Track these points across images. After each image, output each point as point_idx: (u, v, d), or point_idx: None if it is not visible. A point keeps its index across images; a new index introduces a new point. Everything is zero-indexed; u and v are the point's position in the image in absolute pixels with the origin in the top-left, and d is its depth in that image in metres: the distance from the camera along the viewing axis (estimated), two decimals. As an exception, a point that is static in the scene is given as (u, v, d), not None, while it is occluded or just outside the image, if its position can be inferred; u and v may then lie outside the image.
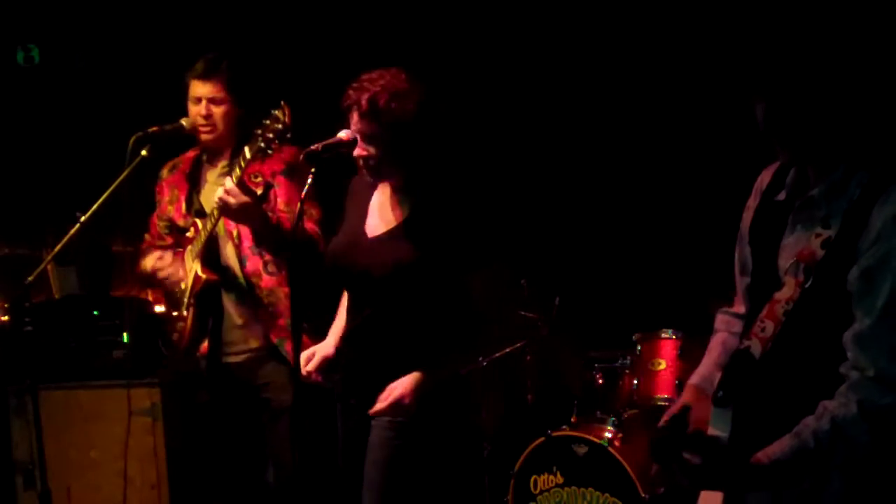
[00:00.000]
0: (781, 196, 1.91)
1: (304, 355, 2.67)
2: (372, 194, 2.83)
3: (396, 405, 2.61)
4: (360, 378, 2.77)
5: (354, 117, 2.62)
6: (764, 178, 2.00)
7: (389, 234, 2.71)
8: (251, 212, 3.06)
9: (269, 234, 3.15)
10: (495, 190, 4.39)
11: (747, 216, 2.02)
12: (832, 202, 1.77)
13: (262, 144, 2.91)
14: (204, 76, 3.33)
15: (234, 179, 3.04)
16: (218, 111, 3.34)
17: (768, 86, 1.76)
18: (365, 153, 2.64)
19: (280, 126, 2.86)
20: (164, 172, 3.58)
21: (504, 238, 3.60)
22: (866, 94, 1.76)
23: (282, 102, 2.87)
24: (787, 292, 1.79)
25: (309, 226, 3.20)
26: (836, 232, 1.74)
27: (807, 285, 1.77)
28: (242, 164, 3.02)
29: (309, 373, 2.83)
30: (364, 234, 2.77)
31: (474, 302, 2.74)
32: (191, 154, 3.54)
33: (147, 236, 3.65)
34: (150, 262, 3.50)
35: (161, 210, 3.56)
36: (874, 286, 1.69)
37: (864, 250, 1.70)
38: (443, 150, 2.74)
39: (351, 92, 2.63)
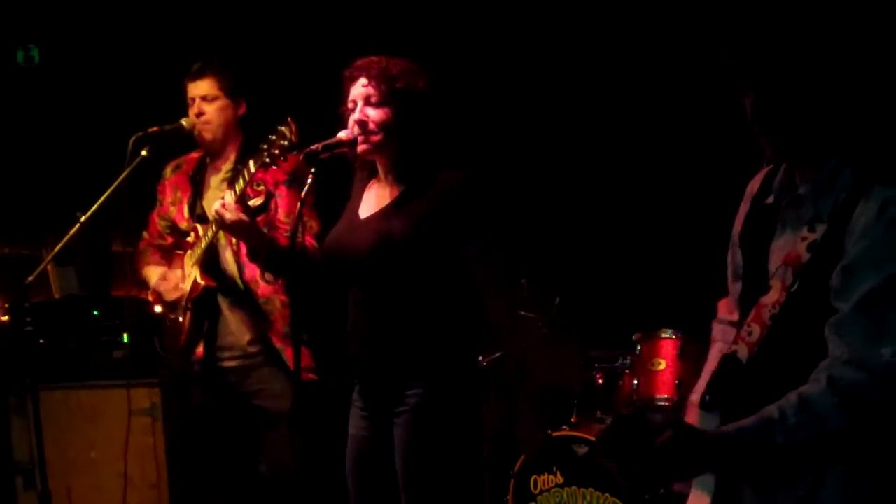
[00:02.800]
0: (770, 199, 1.90)
1: None
2: (364, 190, 2.81)
3: None
4: (369, 378, 2.76)
5: (363, 81, 2.61)
6: (754, 184, 1.99)
7: (382, 212, 2.69)
8: (245, 229, 3.07)
9: (263, 252, 3.15)
10: (491, 171, 4.39)
11: (738, 222, 2.01)
12: (818, 202, 1.76)
13: (268, 160, 2.89)
14: (196, 76, 3.36)
15: (236, 194, 3.04)
16: (210, 108, 3.35)
17: (758, 73, 1.75)
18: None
19: (286, 143, 2.84)
20: (168, 172, 3.57)
21: (498, 212, 3.55)
22: (857, 86, 1.74)
23: (288, 119, 2.85)
24: (773, 296, 1.78)
25: (308, 240, 3.18)
26: (822, 235, 1.74)
27: (793, 289, 1.75)
28: (246, 176, 3.01)
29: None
30: (358, 219, 2.76)
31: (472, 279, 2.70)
32: (195, 155, 3.54)
33: (145, 234, 3.64)
34: (153, 278, 3.50)
35: (163, 210, 3.55)
36: (853, 279, 1.67)
37: (847, 249, 1.70)
38: (443, 138, 2.72)
39: (359, 62, 2.64)
